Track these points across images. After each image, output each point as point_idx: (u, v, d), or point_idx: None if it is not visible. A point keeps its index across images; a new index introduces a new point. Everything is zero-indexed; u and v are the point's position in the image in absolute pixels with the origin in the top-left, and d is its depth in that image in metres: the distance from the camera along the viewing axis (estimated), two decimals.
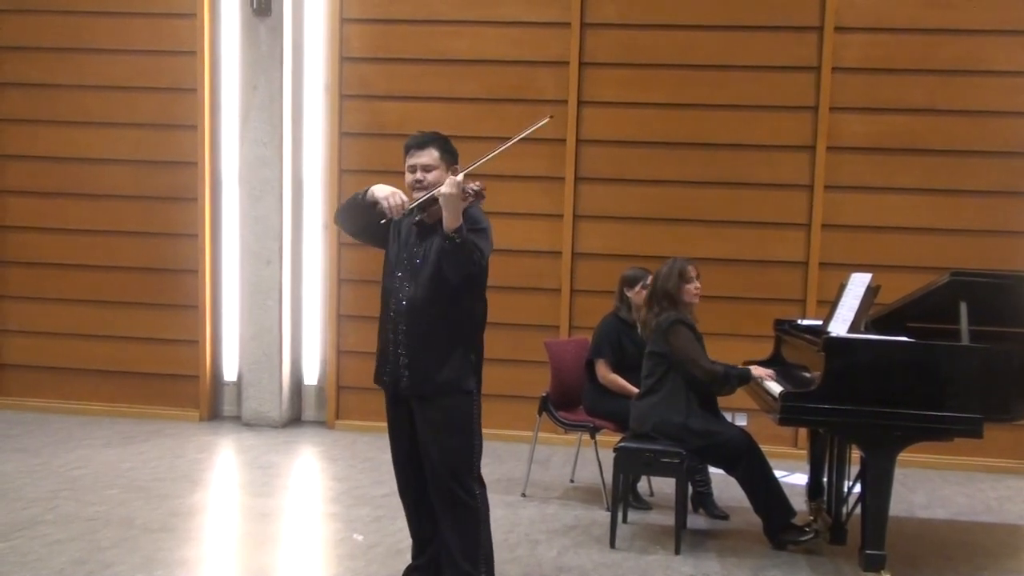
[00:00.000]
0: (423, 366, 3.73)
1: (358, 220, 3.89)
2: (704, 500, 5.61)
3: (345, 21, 7.30)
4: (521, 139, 3.85)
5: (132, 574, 4.37)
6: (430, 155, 3.77)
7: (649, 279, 5.70)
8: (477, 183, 3.55)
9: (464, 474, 3.79)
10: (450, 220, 3.51)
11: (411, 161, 3.79)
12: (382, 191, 3.69)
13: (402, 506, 4.08)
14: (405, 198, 3.69)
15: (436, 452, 3.78)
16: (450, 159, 3.83)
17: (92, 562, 4.48)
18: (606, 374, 5.74)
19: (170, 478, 5.96)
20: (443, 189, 3.51)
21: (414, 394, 3.78)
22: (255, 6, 7.15)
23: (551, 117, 4.11)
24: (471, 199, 3.54)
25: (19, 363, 7.82)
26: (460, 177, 3.53)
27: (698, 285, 5.18)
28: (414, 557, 4.09)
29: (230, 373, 7.73)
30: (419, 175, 3.76)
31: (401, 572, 4.16)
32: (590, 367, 5.84)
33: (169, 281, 7.58)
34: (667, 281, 5.10)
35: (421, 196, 3.71)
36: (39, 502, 5.36)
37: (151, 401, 7.66)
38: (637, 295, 5.73)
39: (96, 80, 7.54)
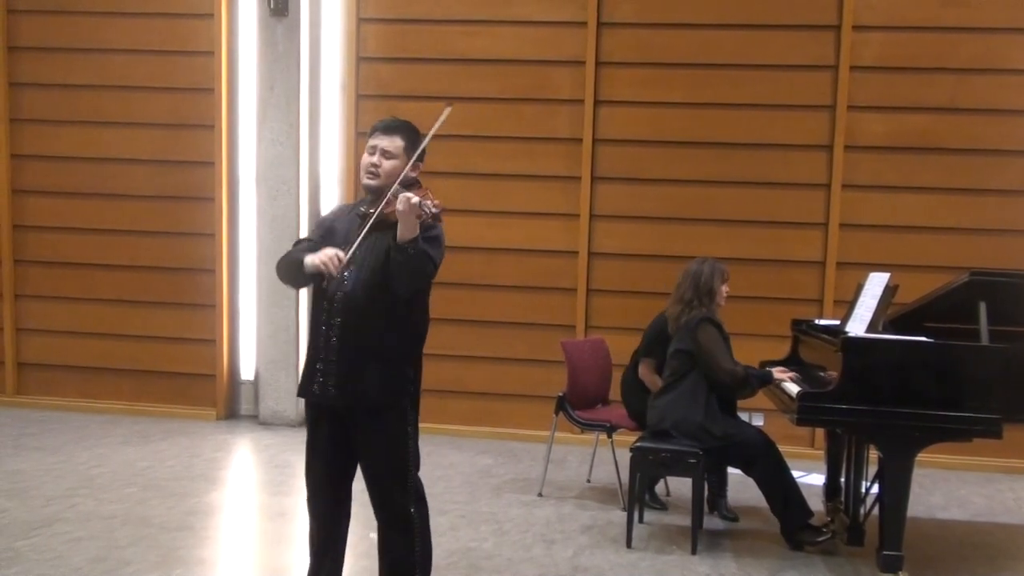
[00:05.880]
0: (357, 376, 3.43)
1: (299, 281, 3.58)
2: (717, 501, 5.59)
3: (362, 21, 7.32)
4: (432, 137, 3.48)
5: (150, 572, 4.39)
6: (394, 143, 3.49)
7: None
8: (435, 202, 3.24)
9: (397, 494, 3.55)
10: (406, 231, 3.24)
11: (372, 143, 3.51)
12: (314, 260, 3.35)
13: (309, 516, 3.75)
14: (340, 253, 3.34)
15: (369, 470, 3.56)
16: (414, 154, 3.50)
17: (110, 560, 4.51)
18: (648, 374, 5.68)
19: (187, 477, 5.99)
20: (398, 207, 3.22)
21: (346, 406, 3.49)
22: (272, 6, 7.17)
23: (450, 107, 3.50)
24: (427, 220, 3.25)
25: (37, 362, 7.87)
26: (417, 199, 3.20)
27: (728, 288, 5.20)
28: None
29: (247, 372, 7.76)
30: (376, 159, 3.48)
31: None
32: (634, 364, 5.77)
33: (186, 280, 7.62)
34: (711, 279, 5.11)
35: (362, 233, 3.40)
36: (58, 500, 5.39)
37: (168, 400, 7.69)
38: None
39: (114, 80, 7.58)
